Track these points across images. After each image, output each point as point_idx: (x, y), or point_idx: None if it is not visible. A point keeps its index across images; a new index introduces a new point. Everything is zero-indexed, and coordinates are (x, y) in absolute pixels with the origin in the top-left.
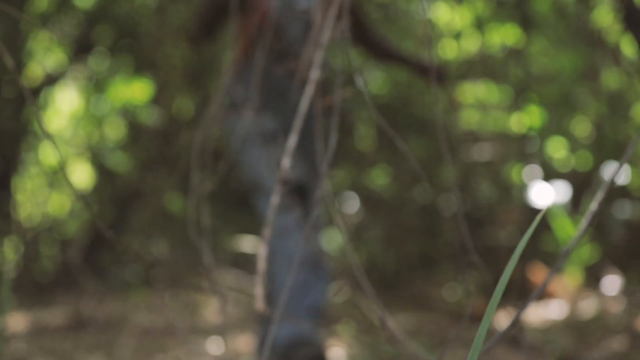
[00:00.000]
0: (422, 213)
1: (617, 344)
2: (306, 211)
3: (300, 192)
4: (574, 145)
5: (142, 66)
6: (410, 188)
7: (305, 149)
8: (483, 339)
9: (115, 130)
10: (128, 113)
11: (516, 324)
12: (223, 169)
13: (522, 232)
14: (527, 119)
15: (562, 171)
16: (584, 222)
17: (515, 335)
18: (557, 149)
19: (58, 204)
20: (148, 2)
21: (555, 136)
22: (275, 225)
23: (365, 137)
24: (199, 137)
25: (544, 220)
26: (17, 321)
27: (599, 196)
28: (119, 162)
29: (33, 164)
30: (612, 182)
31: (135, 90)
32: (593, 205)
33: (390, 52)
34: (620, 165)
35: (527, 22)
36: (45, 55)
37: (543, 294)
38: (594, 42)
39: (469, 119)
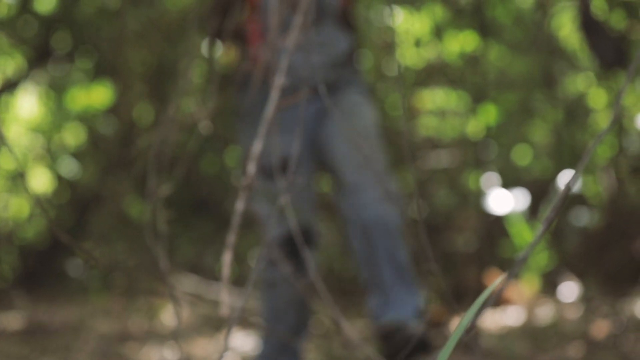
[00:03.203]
0: None
1: (573, 350)
2: (298, 264)
3: (292, 245)
4: (533, 152)
5: (102, 71)
6: None
7: (307, 196)
8: (448, 346)
9: (74, 136)
10: (88, 118)
11: (471, 329)
12: (180, 173)
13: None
14: (483, 120)
15: (521, 178)
16: (540, 228)
17: (468, 341)
18: (519, 156)
19: (17, 209)
20: (108, 7)
21: (516, 143)
22: (263, 277)
23: None
24: (157, 141)
25: (502, 227)
26: None
27: (554, 203)
28: (78, 167)
29: None
30: (568, 190)
31: (95, 96)
32: (549, 212)
33: None
34: (576, 173)
35: (485, 30)
36: (4, 60)
37: (500, 300)
38: (552, 50)
39: (427, 125)
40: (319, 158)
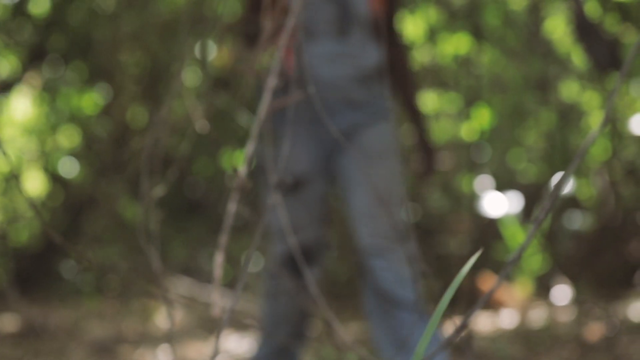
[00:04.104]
0: None
1: (567, 353)
2: (299, 279)
3: (293, 262)
4: (527, 154)
5: (96, 73)
6: None
7: (316, 210)
8: (427, 346)
9: (68, 138)
10: (81, 120)
11: (461, 331)
12: (174, 175)
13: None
14: (476, 123)
15: (514, 181)
16: (530, 230)
17: (460, 343)
18: (513, 158)
19: (11, 211)
20: (103, 9)
21: (510, 146)
22: (265, 287)
23: None
24: (150, 143)
25: (496, 230)
26: None
27: (545, 205)
28: (72, 169)
29: None
30: (558, 192)
31: (89, 98)
32: (539, 214)
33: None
34: (567, 176)
35: (479, 32)
36: None
37: (493, 303)
38: (545, 53)
39: None
40: (332, 180)
